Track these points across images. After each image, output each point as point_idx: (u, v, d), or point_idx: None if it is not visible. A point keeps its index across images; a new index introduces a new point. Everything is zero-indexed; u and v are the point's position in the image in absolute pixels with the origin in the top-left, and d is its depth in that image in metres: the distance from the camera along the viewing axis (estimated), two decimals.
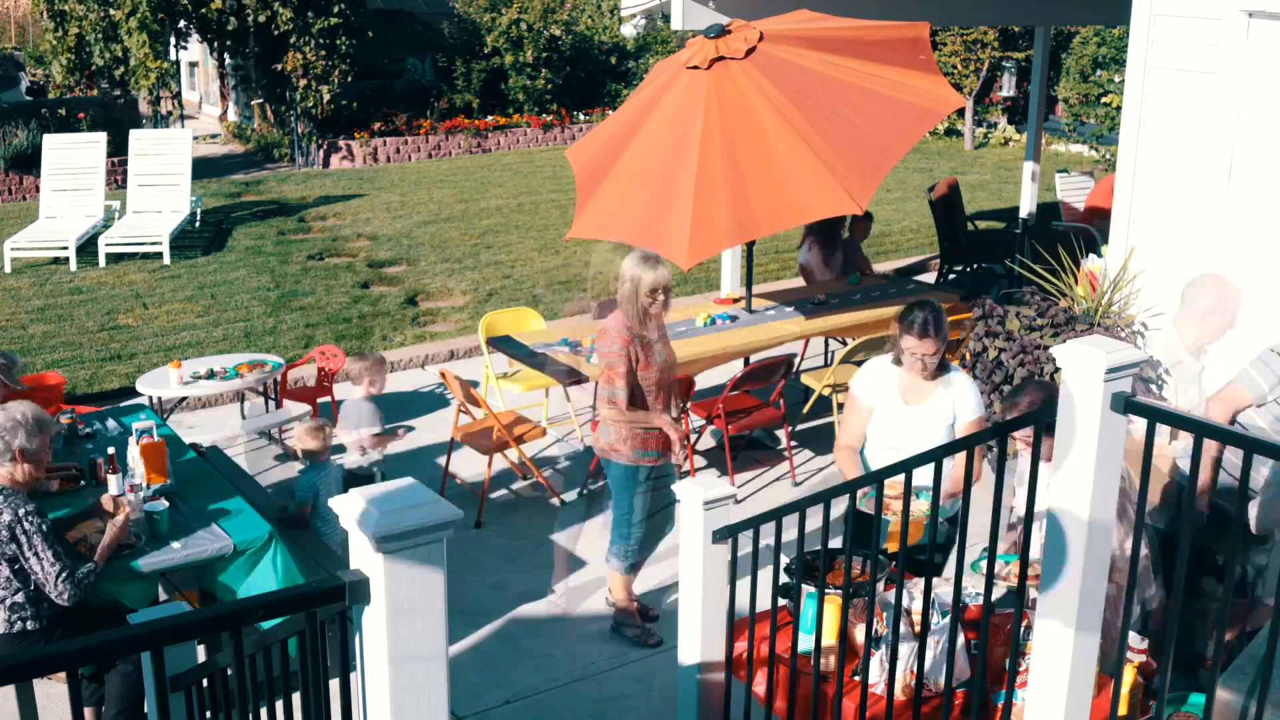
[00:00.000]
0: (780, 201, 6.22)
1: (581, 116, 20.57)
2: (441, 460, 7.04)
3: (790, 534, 3.95)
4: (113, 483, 5.04)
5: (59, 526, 4.60)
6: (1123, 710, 3.45)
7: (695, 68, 6.64)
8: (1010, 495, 4.13)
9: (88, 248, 12.03)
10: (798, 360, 8.76)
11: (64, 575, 4.22)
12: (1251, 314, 5.55)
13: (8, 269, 11.62)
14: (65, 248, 11.75)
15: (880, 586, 3.86)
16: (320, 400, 7.89)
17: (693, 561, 4.09)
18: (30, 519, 4.19)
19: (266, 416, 7.60)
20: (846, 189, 6.08)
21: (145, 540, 4.69)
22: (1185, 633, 3.43)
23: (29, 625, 4.30)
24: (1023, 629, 3.50)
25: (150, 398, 7.37)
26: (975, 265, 11.61)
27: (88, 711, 4.58)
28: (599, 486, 6.96)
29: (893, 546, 3.93)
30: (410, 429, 7.23)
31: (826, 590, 3.76)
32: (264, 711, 2.96)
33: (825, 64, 6.61)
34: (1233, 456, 4.51)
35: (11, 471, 4.29)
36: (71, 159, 13.08)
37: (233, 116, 21.12)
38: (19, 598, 4.27)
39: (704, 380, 8.06)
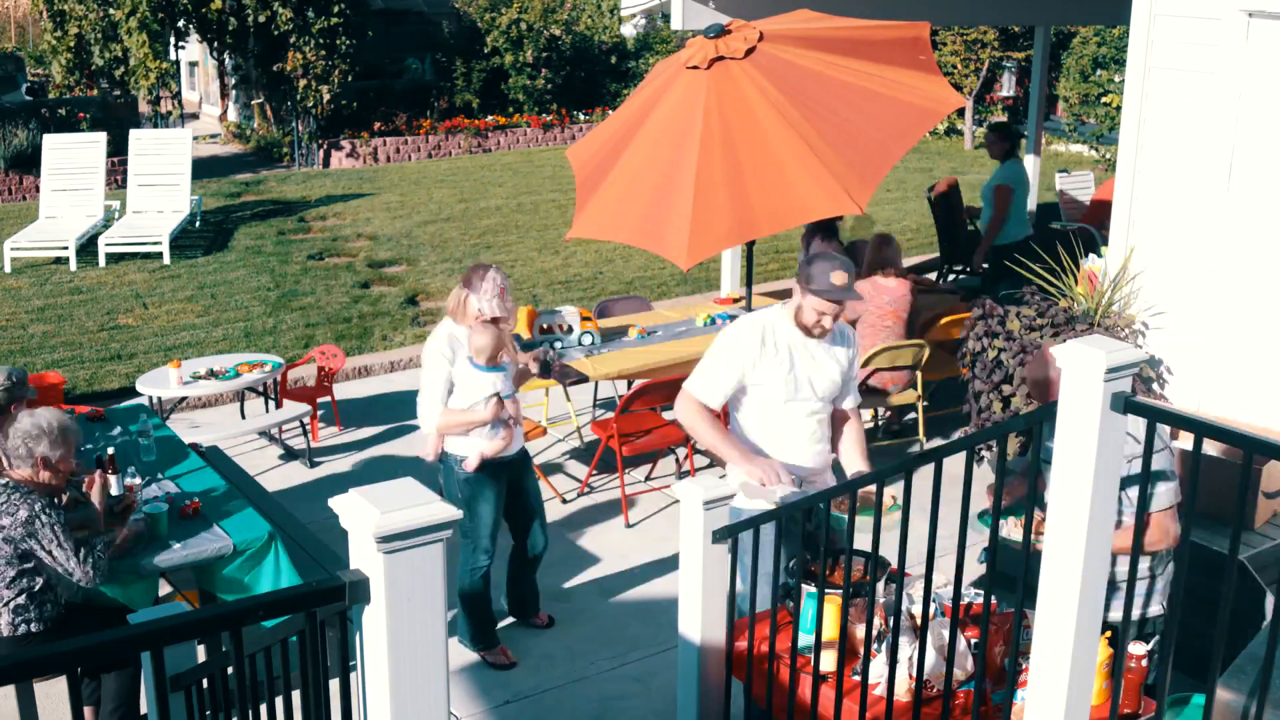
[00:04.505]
0: (780, 201, 6.22)
1: (581, 116, 20.57)
2: None
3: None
4: (112, 482, 5.04)
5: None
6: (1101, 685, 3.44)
7: (695, 68, 6.64)
8: None
9: (88, 248, 12.03)
10: None
11: (90, 559, 4.29)
12: (1252, 314, 5.55)
13: (8, 269, 11.62)
14: (65, 248, 11.75)
15: (880, 587, 3.86)
16: (320, 400, 7.89)
17: (693, 561, 4.09)
18: (47, 513, 4.25)
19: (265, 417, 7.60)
20: (846, 189, 6.08)
21: (145, 540, 4.69)
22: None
23: (32, 628, 4.32)
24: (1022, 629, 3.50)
25: (150, 398, 7.37)
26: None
27: (87, 710, 4.59)
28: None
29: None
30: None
31: (826, 590, 3.76)
32: (264, 711, 2.96)
33: (825, 64, 6.61)
34: None
35: (32, 475, 4.36)
36: (71, 159, 13.08)
37: (233, 116, 21.13)
38: (21, 599, 4.29)
39: None
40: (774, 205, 6.24)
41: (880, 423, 7.89)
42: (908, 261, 12.19)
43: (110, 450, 5.14)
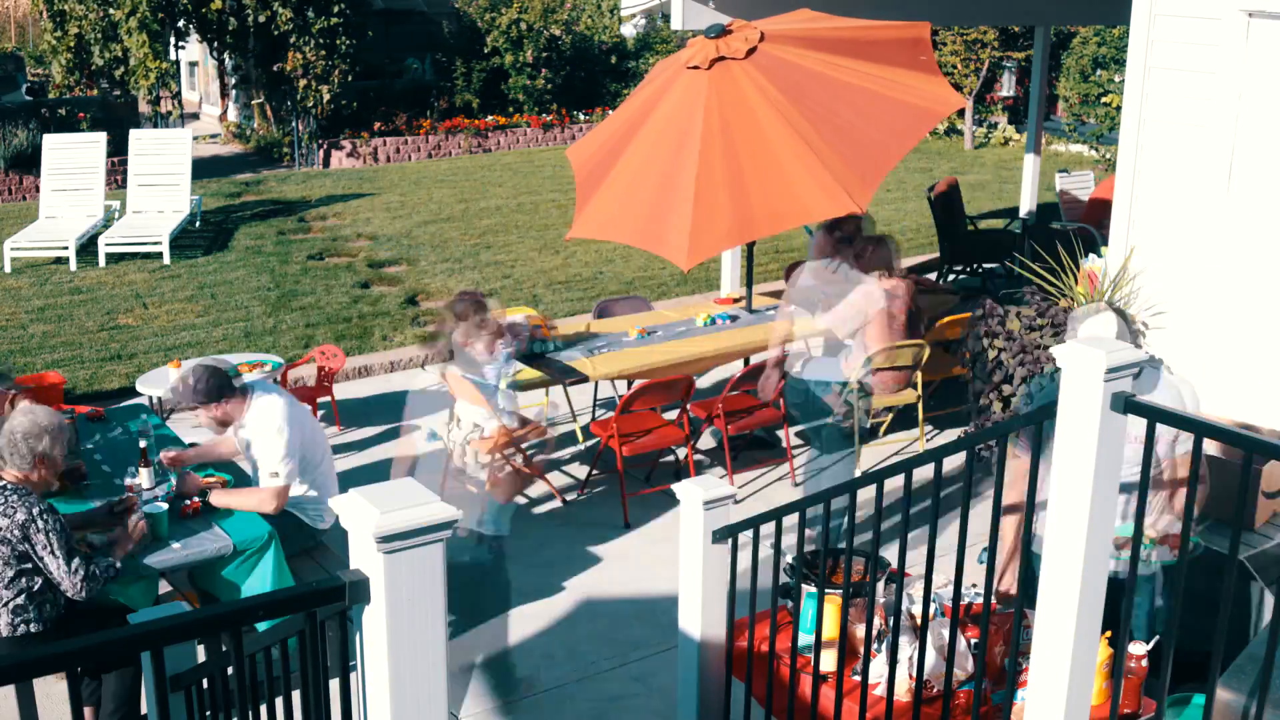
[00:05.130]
0: (780, 202, 6.22)
1: (581, 116, 20.57)
2: (442, 460, 7.04)
3: (790, 534, 3.95)
4: (144, 475, 5.04)
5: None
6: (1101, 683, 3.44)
7: (695, 68, 6.64)
8: None
9: (88, 248, 12.03)
10: None
11: (81, 572, 4.25)
12: (1252, 314, 5.56)
13: (8, 269, 11.62)
14: (65, 248, 11.75)
15: (880, 587, 3.86)
16: (320, 400, 7.89)
17: (693, 561, 4.09)
18: (45, 517, 4.23)
19: None
20: (847, 189, 6.07)
21: (147, 540, 4.69)
22: None
23: (32, 628, 4.31)
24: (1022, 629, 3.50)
25: (150, 398, 7.37)
26: (975, 265, 11.61)
27: (87, 711, 4.59)
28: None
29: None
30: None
31: (826, 590, 3.76)
32: (264, 711, 2.96)
33: (826, 64, 6.61)
34: None
35: (28, 474, 4.35)
36: (71, 159, 13.08)
37: (233, 116, 21.12)
38: (20, 600, 4.28)
39: (704, 380, 8.07)
40: (774, 206, 6.23)
41: (877, 422, 7.90)
42: (908, 261, 12.20)
43: (144, 444, 5.09)
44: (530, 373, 7.33)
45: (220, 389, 5.05)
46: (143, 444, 5.12)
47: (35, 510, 4.22)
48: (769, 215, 6.28)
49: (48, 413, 4.45)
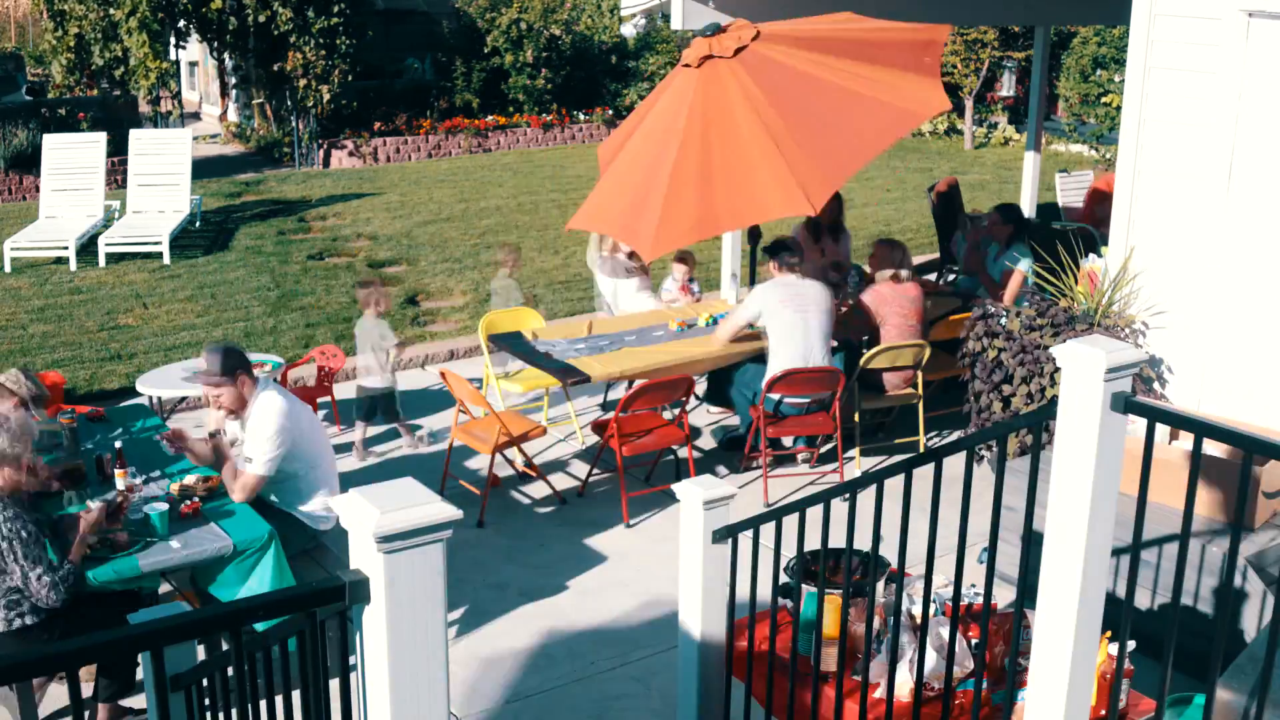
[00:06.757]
0: (740, 199, 6.24)
1: (581, 116, 20.57)
2: (441, 460, 7.04)
3: (790, 534, 3.95)
4: (119, 481, 5.04)
5: (49, 526, 4.58)
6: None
7: (688, 66, 6.68)
8: None
9: (88, 248, 12.03)
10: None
11: (46, 580, 4.22)
12: (1252, 314, 5.55)
13: (8, 269, 11.62)
14: (65, 248, 11.75)
15: (880, 587, 3.86)
16: (320, 400, 7.89)
17: (693, 561, 4.09)
18: (11, 525, 4.19)
19: None
20: (805, 189, 6.04)
21: (143, 541, 4.69)
22: None
23: (27, 620, 4.31)
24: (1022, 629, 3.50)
25: (150, 398, 7.37)
26: None
27: (85, 687, 4.57)
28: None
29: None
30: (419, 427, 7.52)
31: (826, 590, 3.76)
32: (264, 711, 2.96)
33: (813, 64, 6.59)
34: None
35: (13, 477, 4.28)
36: (71, 159, 13.08)
37: (233, 116, 21.12)
38: (13, 595, 4.27)
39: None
40: (735, 203, 6.26)
41: (877, 422, 7.90)
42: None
43: (118, 444, 5.12)
44: (531, 372, 7.34)
45: (237, 366, 5.13)
46: (118, 445, 5.12)
47: (8, 514, 4.19)
48: (730, 212, 6.31)
49: (10, 411, 4.41)
